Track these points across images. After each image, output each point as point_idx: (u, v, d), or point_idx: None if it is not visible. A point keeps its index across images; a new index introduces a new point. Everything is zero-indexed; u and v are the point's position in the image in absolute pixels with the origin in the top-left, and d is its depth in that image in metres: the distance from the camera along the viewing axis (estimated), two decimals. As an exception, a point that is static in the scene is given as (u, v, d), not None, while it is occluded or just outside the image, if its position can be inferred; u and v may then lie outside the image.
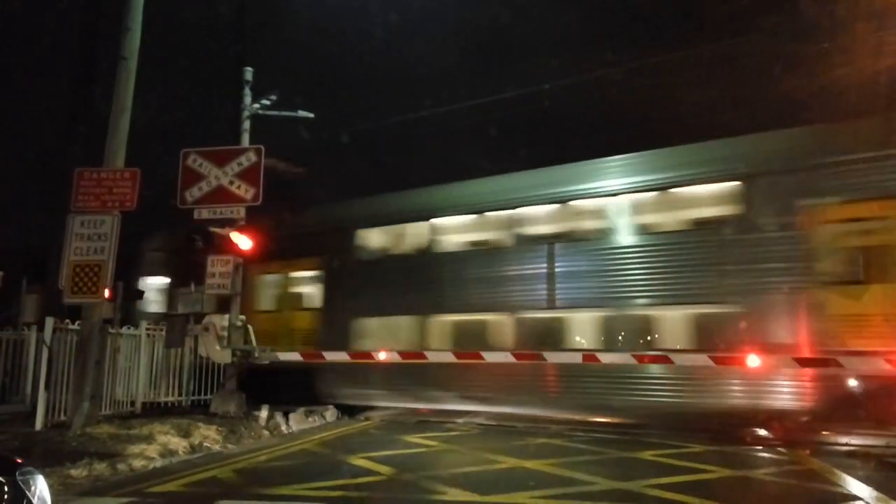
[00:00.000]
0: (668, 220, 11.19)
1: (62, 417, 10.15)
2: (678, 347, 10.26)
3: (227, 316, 12.55)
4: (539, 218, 12.03)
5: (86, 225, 10.20)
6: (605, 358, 10.24)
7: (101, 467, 7.48)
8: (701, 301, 10.11)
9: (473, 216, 12.90)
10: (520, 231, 12.02)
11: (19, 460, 3.77)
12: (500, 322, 11.92)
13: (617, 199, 11.08)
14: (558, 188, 11.80)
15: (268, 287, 15.03)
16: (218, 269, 12.22)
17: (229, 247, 11.89)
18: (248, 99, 14.40)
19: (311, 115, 15.20)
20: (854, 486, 6.75)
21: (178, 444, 8.99)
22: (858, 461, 8.11)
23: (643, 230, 10.98)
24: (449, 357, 11.34)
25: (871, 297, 8.80)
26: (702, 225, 10.69)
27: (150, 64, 12.91)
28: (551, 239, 11.74)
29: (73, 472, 7.18)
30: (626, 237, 10.95)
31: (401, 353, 11.56)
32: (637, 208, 11.02)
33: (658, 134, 13.84)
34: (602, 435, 10.30)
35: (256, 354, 12.57)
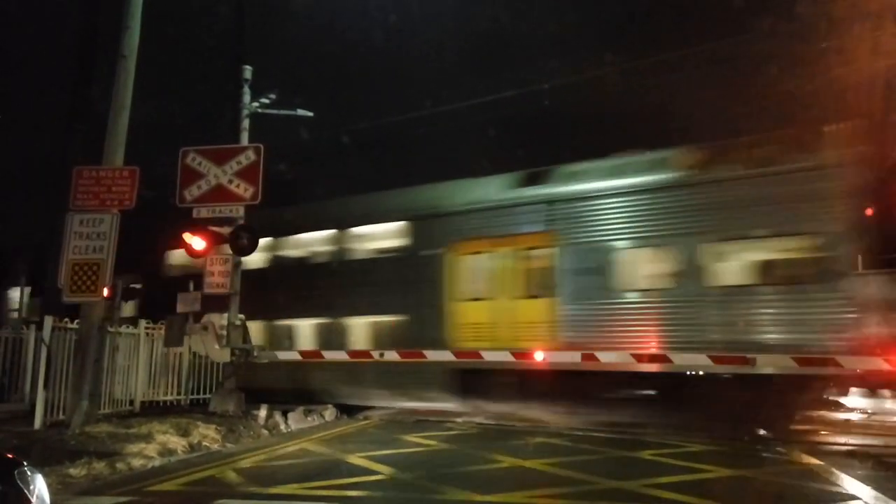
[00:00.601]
0: (369, 249, 13.62)
1: (61, 416, 10.15)
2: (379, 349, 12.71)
3: (225, 315, 12.55)
4: (298, 244, 14.55)
5: (85, 224, 10.17)
6: (604, 357, 10.53)
7: (99, 466, 7.48)
8: (385, 312, 12.83)
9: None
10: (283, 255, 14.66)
11: (18, 459, 3.77)
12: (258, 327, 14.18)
13: (323, 233, 13.95)
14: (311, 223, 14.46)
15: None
16: (217, 268, 12.19)
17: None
18: (247, 97, 14.40)
19: (311, 114, 15.21)
20: (852, 485, 6.75)
21: (176, 443, 8.98)
22: (857, 460, 8.11)
23: (349, 257, 13.57)
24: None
25: (487, 310, 11.83)
26: (386, 253, 13.24)
27: (150, 62, 12.89)
28: (301, 261, 14.42)
29: (72, 471, 7.18)
30: (335, 262, 13.64)
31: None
32: (343, 240, 13.69)
33: (657, 134, 13.86)
34: (600, 434, 10.30)
35: (255, 353, 12.56)
